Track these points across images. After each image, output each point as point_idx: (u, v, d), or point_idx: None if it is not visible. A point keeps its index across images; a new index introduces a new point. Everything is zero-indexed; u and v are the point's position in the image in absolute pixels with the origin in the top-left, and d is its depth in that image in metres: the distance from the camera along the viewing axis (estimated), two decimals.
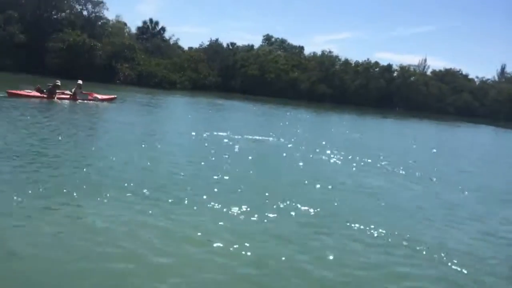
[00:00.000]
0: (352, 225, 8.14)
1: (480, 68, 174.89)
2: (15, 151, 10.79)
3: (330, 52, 77.73)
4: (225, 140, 16.72)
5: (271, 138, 18.89)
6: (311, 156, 15.58)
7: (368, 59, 78.50)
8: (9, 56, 47.19)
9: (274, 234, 7.26)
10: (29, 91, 22.81)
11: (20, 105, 19.77)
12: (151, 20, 70.58)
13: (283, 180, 11.25)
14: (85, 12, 55.17)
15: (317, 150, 16.95)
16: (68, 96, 23.89)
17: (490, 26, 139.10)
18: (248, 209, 8.24)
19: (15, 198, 7.43)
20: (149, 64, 56.61)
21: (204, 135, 17.77)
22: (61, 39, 48.85)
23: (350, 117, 46.96)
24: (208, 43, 73.42)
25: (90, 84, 42.23)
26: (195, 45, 76.18)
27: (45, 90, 23.09)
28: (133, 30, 68.35)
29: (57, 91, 23.39)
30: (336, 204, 9.47)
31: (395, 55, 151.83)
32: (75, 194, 8.01)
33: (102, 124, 19.04)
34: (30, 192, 7.84)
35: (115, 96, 27.76)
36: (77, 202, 7.69)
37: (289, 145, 17.53)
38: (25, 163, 9.81)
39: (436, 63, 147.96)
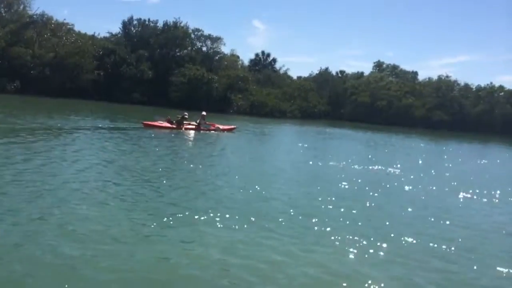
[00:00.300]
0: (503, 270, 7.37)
1: None
2: (145, 178, 11.79)
3: (447, 76, 73.48)
4: (341, 170, 16.46)
5: (388, 168, 18.16)
6: (434, 188, 14.58)
7: (491, 83, 72.55)
8: (139, 90, 52.72)
9: (407, 276, 6.84)
10: (161, 122, 25.15)
11: (153, 135, 21.92)
12: (263, 52, 74.10)
13: (408, 214, 10.63)
14: (204, 48, 59.66)
15: (440, 182, 15.85)
16: (194, 127, 25.81)
17: None
18: (374, 245, 7.86)
19: (137, 222, 7.95)
20: (261, 94, 58.85)
21: (319, 163, 17.74)
22: (182, 74, 53.24)
23: (471, 146, 43.38)
24: (317, 72, 74.38)
25: (207, 114, 45.09)
26: (304, 74, 77.73)
27: (174, 121, 25.27)
28: (245, 62, 72.17)
29: (184, 122, 25.48)
30: (476, 245, 8.64)
31: None
32: (195, 221, 8.31)
33: (222, 152, 19.98)
34: (151, 217, 8.31)
35: (235, 126, 29.34)
36: (196, 230, 7.89)
37: (409, 176, 16.66)
38: (152, 189, 10.56)
39: None
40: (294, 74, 78.87)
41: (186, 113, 26.10)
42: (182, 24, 57.26)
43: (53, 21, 51.28)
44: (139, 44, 55.16)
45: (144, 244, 7.03)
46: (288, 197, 11.20)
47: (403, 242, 8.28)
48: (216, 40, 58.91)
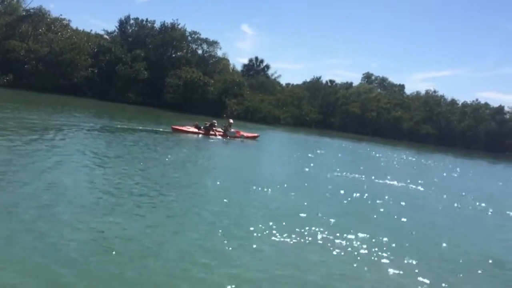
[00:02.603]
0: None
1: None
2: (171, 183, 11.97)
3: (435, 91, 75.32)
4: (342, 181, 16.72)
5: (385, 181, 18.50)
6: (456, 205, 14.97)
7: (477, 100, 74.75)
8: (133, 90, 52.30)
9: None
10: (189, 127, 25.84)
11: (181, 138, 23.07)
12: (256, 58, 74.47)
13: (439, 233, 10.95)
14: (199, 51, 59.58)
15: (457, 200, 16.31)
16: (221, 133, 26.48)
17: None
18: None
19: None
20: (254, 99, 58.95)
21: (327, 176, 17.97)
22: (178, 76, 52.96)
23: (474, 162, 44.47)
24: (309, 80, 75.16)
25: (200, 117, 44.96)
26: (291, 81, 78.33)
27: (202, 127, 25.91)
28: (235, 66, 72.29)
29: (213, 128, 26.16)
30: None
31: (503, 95, 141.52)
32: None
33: (247, 159, 20.33)
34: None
35: (258, 134, 30.37)
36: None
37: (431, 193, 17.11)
38: (176, 196, 10.69)
39: None
40: (281, 80, 79.51)
41: (215, 121, 27.17)
42: (179, 26, 57.02)
43: (49, 16, 50.49)
44: (135, 43, 54.72)
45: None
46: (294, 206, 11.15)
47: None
48: (212, 43, 58.96)
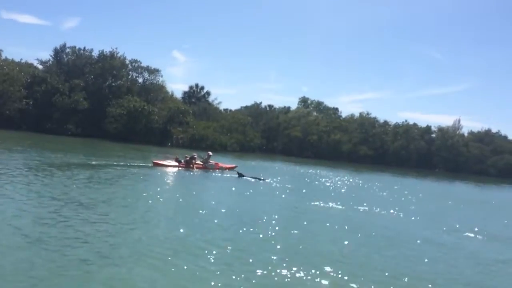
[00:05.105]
0: None
1: None
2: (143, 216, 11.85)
3: (368, 113, 79.31)
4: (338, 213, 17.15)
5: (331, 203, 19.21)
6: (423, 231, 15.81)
7: (406, 121, 79.71)
8: (72, 121, 49.90)
9: None
10: (170, 161, 26.88)
11: (161, 173, 23.70)
12: (196, 85, 74.45)
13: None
14: (140, 79, 58.40)
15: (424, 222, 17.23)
16: (201, 165, 27.39)
17: None
18: None
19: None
20: (199, 127, 58.42)
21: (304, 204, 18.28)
22: (120, 105, 51.33)
23: (410, 180, 46.89)
24: (247, 104, 76.30)
25: (145, 147, 43.88)
26: (227, 106, 78.93)
27: (182, 161, 26.87)
28: (176, 94, 71.50)
29: (193, 160, 27.11)
30: None
31: (421, 115, 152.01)
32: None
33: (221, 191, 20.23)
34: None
35: (236, 165, 30.78)
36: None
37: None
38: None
39: (467, 124, 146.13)
40: (220, 106, 79.85)
41: (195, 154, 28.57)
42: (119, 55, 55.63)
43: None
44: (72, 73, 52.51)
45: None
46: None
47: None
48: (154, 71, 58.09)
